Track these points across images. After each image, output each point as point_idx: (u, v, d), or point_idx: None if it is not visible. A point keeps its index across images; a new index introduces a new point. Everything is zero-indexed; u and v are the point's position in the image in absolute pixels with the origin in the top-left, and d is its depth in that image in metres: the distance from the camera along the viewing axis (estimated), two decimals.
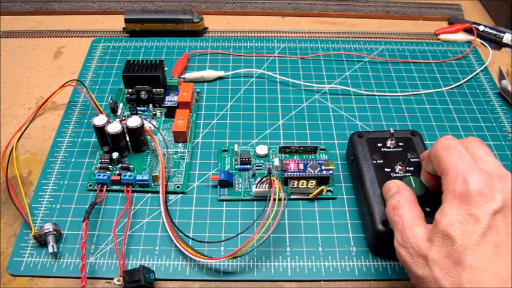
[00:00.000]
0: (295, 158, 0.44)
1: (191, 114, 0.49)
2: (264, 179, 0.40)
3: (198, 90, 0.54)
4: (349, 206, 0.42)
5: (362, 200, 0.39)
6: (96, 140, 0.45)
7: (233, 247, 0.37)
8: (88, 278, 0.36)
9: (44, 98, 0.52)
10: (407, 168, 0.39)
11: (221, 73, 0.55)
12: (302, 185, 0.41)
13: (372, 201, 0.37)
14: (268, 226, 0.36)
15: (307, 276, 0.37)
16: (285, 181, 0.42)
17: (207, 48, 0.60)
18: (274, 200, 0.38)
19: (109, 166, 0.43)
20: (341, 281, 0.37)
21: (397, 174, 0.38)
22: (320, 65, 0.57)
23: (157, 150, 0.44)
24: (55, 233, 0.38)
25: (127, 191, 0.42)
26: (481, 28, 0.63)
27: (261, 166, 0.44)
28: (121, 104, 0.50)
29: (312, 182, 0.41)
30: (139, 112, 0.49)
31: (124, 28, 0.62)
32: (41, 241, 0.38)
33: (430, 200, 0.35)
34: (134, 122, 0.43)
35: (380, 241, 0.36)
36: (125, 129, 0.43)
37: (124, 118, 0.47)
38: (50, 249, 0.37)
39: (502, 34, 0.62)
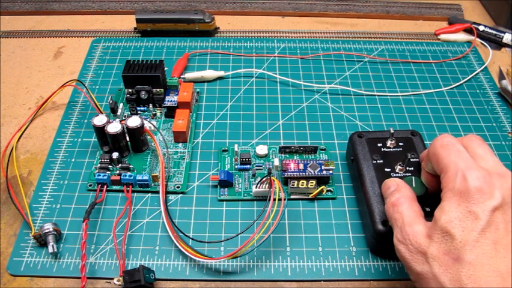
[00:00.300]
0: (295, 158, 0.44)
1: (191, 114, 0.49)
2: (264, 179, 0.40)
3: (198, 90, 0.54)
4: (349, 206, 0.42)
5: (362, 200, 0.39)
6: (96, 140, 0.45)
7: (233, 247, 0.37)
8: (88, 278, 0.36)
9: (44, 98, 0.52)
10: (407, 168, 0.39)
11: (221, 73, 0.55)
12: (302, 185, 0.41)
13: (372, 201, 0.37)
14: (268, 226, 0.36)
15: (307, 276, 0.37)
16: (285, 181, 0.42)
17: (207, 48, 0.60)
18: (274, 200, 0.38)
19: (109, 166, 0.43)
20: (341, 281, 0.37)
21: (397, 174, 0.38)
22: (320, 65, 0.57)
23: (157, 150, 0.44)
24: (55, 233, 0.38)
25: (127, 191, 0.42)
26: (481, 28, 0.63)
27: (261, 166, 0.44)
28: (121, 104, 0.50)
29: (312, 182, 0.41)
30: (139, 112, 0.49)
31: (135, 28, 0.62)
32: (41, 241, 0.38)
33: (430, 200, 0.35)
34: (134, 122, 0.43)
35: (380, 241, 0.36)
36: (125, 129, 0.43)
37: (124, 118, 0.47)
38: (50, 249, 0.37)
39: (502, 34, 0.62)
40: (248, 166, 0.44)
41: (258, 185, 0.41)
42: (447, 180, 0.29)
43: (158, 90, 0.49)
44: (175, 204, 0.42)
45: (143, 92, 0.48)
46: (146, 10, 0.60)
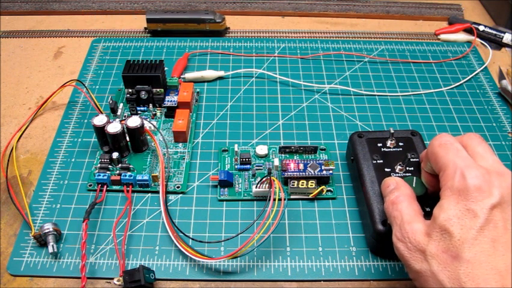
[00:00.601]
0: (295, 158, 0.44)
1: (191, 114, 0.49)
2: (264, 179, 0.40)
3: (198, 90, 0.54)
4: (349, 206, 0.42)
5: (362, 200, 0.39)
6: (96, 140, 0.45)
7: (233, 247, 0.37)
8: (88, 278, 0.36)
9: (44, 98, 0.52)
10: (407, 168, 0.39)
11: (221, 73, 0.55)
12: (302, 185, 0.41)
13: (372, 201, 0.37)
14: (268, 226, 0.36)
15: (307, 276, 0.37)
16: (285, 181, 0.42)
17: (207, 48, 0.60)
18: (274, 200, 0.38)
19: (109, 166, 0.43)
20: (341, 281, 0.37)
21: (397, 174, 0.38)
22: (320, 65, 0.57)
23: (157, 150, 0.44)
24: (55, 233, 0.38)
25: (127, 191, 0.42)
26: (481, 28, 0.63)
27: (261, 166, 0.44)
28: (121, 104, 0.50)
29: (312, 182, 0.41)
30: (139, 112, 0.49)
31: (145, 28, 0.63)
32: (41, 241, 0.38)
33: (430, 200, 0.35)
34: (134, 122, 0.43)
35: (380, 241, 0.36)
36: (125, 129, 0.43)
37: (124, 118, 0.47)
38: (50, 249, 0.37)
39: (502, 34, 0.62)
40: (248, 166, 0.44)
41: (258, 185, 0.41)
42: (446, 179, 0.29)
43: (158, 90, 0.49)
44: (175, 204, 0.42)
45: (143, 92, 0.48)
46: (156, 10, 0.60)
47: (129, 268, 0.36)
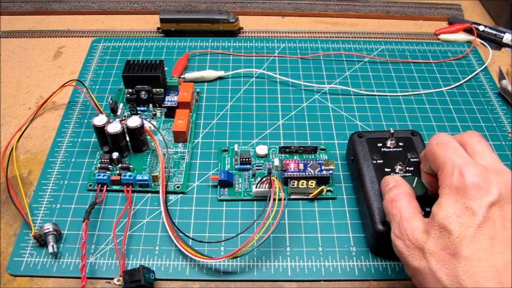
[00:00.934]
0: (295, 158, 0.44)
1: (191, 114, 0.49)
2: (264, 179, 0.40)
3: (198, 90, 0.54)
4: (349, 206, 0.42)
5: (362, 200, 0.39)
6: (96, 140, 0.45)
7: (233, 247, 0.37)
8: (88, 278, 0.36)
9: (44, 98, 0.52)
10: (407, 168, 0.39)
11: (221, 73, 0.55)
12: (302, 185, 0.41)
13: (372, 201, 0.37)
14: (268, 226, 0.36)
15: (307, 276, 0.37)
16: (285, 181, 0.42)
17: (207, 48, 0.60)
18: (274, 200, 0.38)
19: (109, 166, 0.43)
20: (341, 281, 0.37)
21: (397, 174, 0.38)
22: (320, 65, 0.57)
23: (157, 150, 0.44)
24: (55, 233, 0.38)
25: (127, 191, 0.42)
26: (481, 28, 0.63)
27: (261, 166, 0.44)
28: (121, 104, 0.50)
29: (312, 182, 0.41)
30: (139, 112, 0.49)
31: (158, 28, 0.63)
32: (41, 241, 0.38)
33: (430, 200, 0.35)
34: (134, 122, 0.43)
35: (380, 241, 0.36)
36: (125, 129, 0.43)
37: (124, 118, 0.47)
38: (50, 249, 0.37)
39: (502, 34, 0.62)
40: (248, 166, 0.44)
41: (258, 185, 0.41)
42: (444, 177, 0.29)
43: (158, 90, 0.49)
44: (175, 204, 0.42)
45: (143, 92, 0.48)
46: (170, 10, 0.60)
47: (129, 268, 0.36)
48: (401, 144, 0.41)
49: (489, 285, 0.25)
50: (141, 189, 0.43)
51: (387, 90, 0.54)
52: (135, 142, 0.44)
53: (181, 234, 0.39)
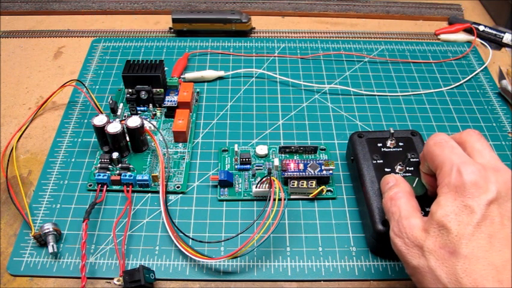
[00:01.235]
0: (295, 158, 0.44)
1: (191, 114, 0.49)
2: (264, 179, 0.40)
3: (198, 90, 0.54)
4: (349, 206, 0.42)
5: (362, 200, 0.39)
6: (96, 140, 0.45)
7: (233, 247, 0.37)
8: (88, 278, 0.36)
9: (44, 98, 0.52)
10: (407, 168, 0.39)
11: (221, 73, 0.55)
12: (302, 185, 0.41)
13: (372, 201, 0.37)
14: (268, 226, 0.36)
15: (307, 276, 0.37)
16: (285, 181, 0.42)
17: (207, 48, 0.60)
18: (274, 200, 0.38)
19: (109, 166, 0.43)
20: (341, 281, 0.37)
21: (397, 174, 0.38)
22: (320, 65, 0.57)
23: (157, 150, 0.44)
24: (55, 233, 0.38)
25: (127, 191, 0.42)
26: (481, 28, 0.63)
27: (261, 166, 0.44)
28: (121, 104, 0.50)
29: (312, 182, 0.41)
30: (139, 112, 0.49)
31: (170, 28, 0.63)
32: (41, 241, 0.38)
33: (430, 200, 0.35)
34: (134, 122, 0.43)
35: (380, 241, 0.36)
36: (125, 129, 0.43)
37: (124, 118, 0.47)
38: (50, 249, 0.37)
39: (502, 34, 0.62)
40: (248, 166, 0.44)
41: (258, 185, 0.41)
42: (443, 176, 0.29)
43: (158, 90, 0.49)
44: (175, 204, 0.42)
45: (143, 92, 0.48)
46: (182, 10, 0.60)
47: (129, 268, 0.36)
48: (401, 144, 0.41)
49: (488, 284, 0.25)
50: (141, 189, 0.43)
51: (387, 90, 0.54)
52: (135, 142, 0.44)
53: (181, 234, 0.39)
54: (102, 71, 0.56)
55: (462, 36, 0.62)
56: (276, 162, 0.43)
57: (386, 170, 0.39)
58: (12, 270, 0.37)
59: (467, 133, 0.32)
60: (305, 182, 0.41)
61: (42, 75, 0.56)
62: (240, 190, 0.42)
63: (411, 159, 0.39)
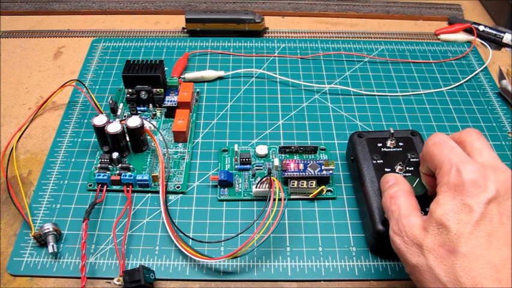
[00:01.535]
0: (295, 158, 0.44)
1: (191, 114, 0.49)
2: (264, 179, 0.40)
3: (198, 90, 0.54)
4: (349, 206, 0.42)
5: (362, 200, 0.39)
6: (96, 140, 0.45)
7: (233, 247, 0.37)
8: (88, 278, 0.36)
9: (44, 98, 0.52)
10: (407, 168, 0.39)
11: (221, 73, 0.55)
12: (302, 185, 0.41)
13: (372, 201, 0.37)
14: (268, 226, 0.36)
15: (307, 276, 0.37)
16: (285, 181, 0.42)
17: (207, 48, 0.60)
18: (274, 200, 0.38)
19: (109, 166, 0.43)
20: (341, 281, 0.37)
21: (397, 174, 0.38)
22: (320, 65, 0.57)
23: (157, 150, 0.44)
24: (55, 233, 0.38)
25: (127, 191, 0.42)
26: (481, 28, 0.63)
27: (261, 166, 0.44)
28: (121, 104, 0.50)
29: (312, 182, 0.41)
30: (139, 112, 0.49)
31: (183, 28, 0.63)
32: (41, 241, 0.38)
33: (430, 200, 0.35)
34: (134, 122, 0.43)
35: (380, 241, 0.36)
36: (125, 129, 0.43)
37: (124, 118, 0.47)
38: (50, 249, 0.37)
39: (502, 34, 0.62)
40: (248, 166, 0.44)
41: (258, 185, 0.41)
42: (442, 175, 0.29)
43: (158, 90, 0.49)
44: (175, 204, 0.42)
45: (143, 92, 0.48)
46: (195, 10, 0.61)
47: (129, 268, 0.36)
48: (401, 144, 0.41)
49: (486, 282, 0.25)
50: (141, 189, 0.43)
51: (387, 90, 0.54)
52: (135, 142, 0.44)
53: (181, 234, 0.39)
54: (102, 71, 0.56)
55: (462, 36, 0.62)
56: (276, 162, 0.43)
57: (386, 170, 0.39)
58: (12, 270, 0.37)
59: (466, 132, 0.32)
60: (305, 182, 0.41)
61: (42, 75, 0.56)
62: (240, 190, 0.42)
63: (411, 159, 0.39)
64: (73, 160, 0.45)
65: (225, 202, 0.42)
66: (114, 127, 0.42)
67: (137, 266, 0.35)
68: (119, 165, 0.43)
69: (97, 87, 0.54)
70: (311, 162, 0.42)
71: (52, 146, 0.47)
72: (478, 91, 0.54)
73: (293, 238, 0.39)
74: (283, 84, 0.55)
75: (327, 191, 0.42)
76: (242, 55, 0.59)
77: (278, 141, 0.48)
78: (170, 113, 0.49)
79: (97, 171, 0.43)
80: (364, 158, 0.40)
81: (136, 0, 0.68)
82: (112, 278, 0.35)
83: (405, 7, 0.68)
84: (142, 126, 0.43)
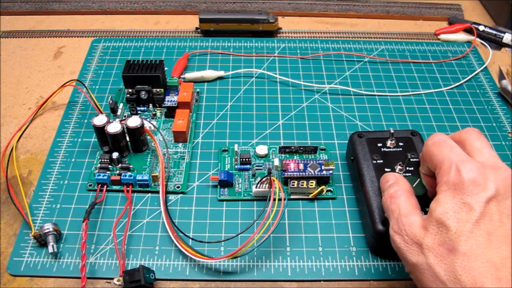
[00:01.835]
0: (295, 158, 0.44)
1: (191, 114, 0.49)
2: (264, 179, 0.40)
3: (198, 90, 0.54)
4: (349, 206, 0.42)
5: (362, 200, 0.39)
6: (96, 140, 0.45)
7: (233, 247, 0.37)
8: (88, 278, 0.36)
9: (44, 98, 0.52)
10: (407, 168, 0.39)
11: (221, 73, 0.55)
12: (302, 185, 0.41)
13: (372, 201, 0.37)
14: (268, 226, 0.36)
15: (307, 276, 0.37)
16: (285, 181, 0.42)
17: (207, 48, 0.60)
18: (274, 200, 0.38)
19: (109, 166, 0.43)
20: (341, 281, 0.37)
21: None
22: (320, 65, 0.57)
23: (157, 150, 0.44)
24: (55, 233, 0.38)
25: (127, 191, 0.42)
26: (481, 28, 0.63)
27: (261, 166, 0.44)
28: (121, 104, 0.50)
29: (312, 182, 0.41)
30: (139, 112, 0.49)
31: (196, 28, 0.63)
32: (41, 241, 0.38)
33: (430, 201, 0.35)
34: (134, 122, 0.43)
35: (380, 241, 0.36)
36: (125, 129, 0.43)
37: (124, 118, 0.47)
38: (50, 249, 0.37)
39: (502, 34, 0.62)
40: (248, 166, 0.44)
41: (258, 185, 0.41)
42: (442, 174, 0.29)
43: (158, 90, 0.49)
44: (175, 204, 0.42)
45: (143, 92, 0.48)
46: (209, 10, 0.61)
47: (129, 268, 0.36)
48: (401, 144, 0.41)
49: (486, 281, 0.25)
50: (141, 189, 0.43)
51: (387, 90, 0.54)
52: (135, 142, 0.44)
53: (181, 234, 0.39)
54: (102, 71, 0.56)
55: (462, 36, 0.62)
56: (276, 162, 0.43)
57: (386, 170, 0.39)
58: (12, 270, 0.37)
59: (466, 131, 0.32)
60: (305, 182, 0.41)
61: (42, 75, 0.56)
62: (240, 190, 0.42)
63: (411, 159, 0.39)
64: (73, 160, 0.45)
65: (225, 202, 0.42)
66: (114, 127, 0.42)
67: (137, 266, 0.35)
68: (119, 165, 0.43)
69: (97, 87, 0.54)
70: (311, 162, 0.42)
71: (52, 146, 0.47)
72: (478, 91, 0.54)
73: (293, 238, 0.39)
74: (283, 84, 0.55)
75: (327, 191, 0.42)
76: (242, 55, 0.59)
77: (278, 141, 0.48)
78: (170, 113, 0.49)
79: (97, 171, 0.43)
80: (364, 158, 0.40)
81: (136, 0, 0.68)
82: (112, 278, 0.35)
83: (405, 7, 0.68)
84: (142, 126, 0.43)
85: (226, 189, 0.42)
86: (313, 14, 0.68)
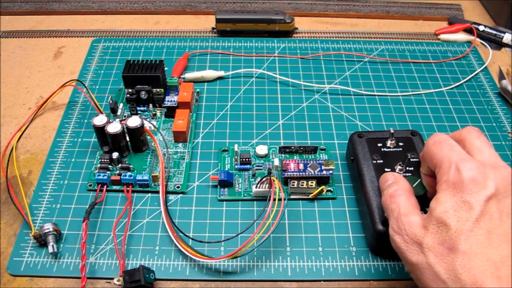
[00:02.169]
0: (295, 158, 0.44)
1: (191, 114, 0.49)
2: (264, 179, 0.40)
3: (198, 90, 0.54)
4: (349, 206, 0.42)
5: (362, 200, 0.39)
6: (96, 140, 0.45)
7: (233, 247, 0.37)
8: (88, 278, 0.36)
9: (44, 98, 0.52)
10: (407, 168, 0.39)
11: (221, 73, 0.55)
12: (302, 185, 0.41)
13: (372, 201, 0.37)
14: (268, 226, 0.36)
15: (307, 276, 0.37)
16: (285, 181, 0.42)
17: (207, 48, 0.60)
18: (274, 200, 0.38)
19: (109, 166, 0.43)
20: (341, 281, 0.37)
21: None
22: (320, 65, 0.57)
23: (157, 150, 0.44)
24: (55, 233, 0.38)
25: (127, 191, 0.42)
26: (481, 28, 0.63)
27: (261, 166, 0.44)
28: (121, 104, 0.50)
29: (312, 182, 0.41)
30: (139, 112, 0.49)
31: (213, 28, 0.63)
32: (41, 241, 0.38)
33: (430, 200, 0.35)
34: (134, 122, 0.43)
35: (380, 241, 0.36)
36: (125, 129, 0.43)
37: (124, 118, 0.47)
38: (50, 249, 0.37)
39: (502, 34, 0.62)
40: (248, 166, 0.44)
41: (258, 185, 0.41)
42: (442, 173, 0.29)
43: (158, 90, 0.49)
44: (175, 204, 0.42)
45: (143, 92, 0.48)
46: (226, 10, 0.61)
47: (129, 268, 0.36)
48: (401, 144, 0.41)
49: (486, 279, 0.25)
50: (141, 189, 0.43)
51: (387, 90, 0.54)
52: (135, 142, 0.44)
53: (181, 234, 0.39)
54: (102, 71, 0.56)
55: (462, 36, 0.62)
56: (276, 162, 0.43)
57: (386, 170, 0.39)
58: (12, 270, 0.37)
59: (466, 130, 0.32)
60: (305, 182, 0.41)
61: (42, 75, 0.56)
62: (240, 190, 0.42)
63: (411, 159, 0.39)
64: (73, 160, 0.45)
65: (225, 202, 0.42)
66: (114, 127, 0.42)
67: (137, 266, 0.35)
68: (119, 165, 0.43)
69: (97, 87, 0.54)
70: (311, 162, 0.42)
71: (52, 146, 0.47)
72: (478, 91, 0.54)
73: (293, 238, 0.39)
74: (283, 84, 0.55)
75: (327, 191, 0.42)
76: (242, 55, 0.59)
77: (278, 141, 0.48)
78: (170, 113, 0.49)
79: (97, 171, 0.43)
80: (364, 158, 0.40)
81: (136, 0, 0.68)
82: (112, 278, 0.35)
83: (405, 7, 0.68)
84: (142, 126, 0.43)
85: (226, 189, 0.42)
86: (313, 14, 0.68)
